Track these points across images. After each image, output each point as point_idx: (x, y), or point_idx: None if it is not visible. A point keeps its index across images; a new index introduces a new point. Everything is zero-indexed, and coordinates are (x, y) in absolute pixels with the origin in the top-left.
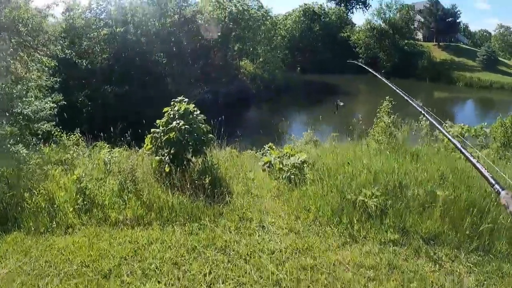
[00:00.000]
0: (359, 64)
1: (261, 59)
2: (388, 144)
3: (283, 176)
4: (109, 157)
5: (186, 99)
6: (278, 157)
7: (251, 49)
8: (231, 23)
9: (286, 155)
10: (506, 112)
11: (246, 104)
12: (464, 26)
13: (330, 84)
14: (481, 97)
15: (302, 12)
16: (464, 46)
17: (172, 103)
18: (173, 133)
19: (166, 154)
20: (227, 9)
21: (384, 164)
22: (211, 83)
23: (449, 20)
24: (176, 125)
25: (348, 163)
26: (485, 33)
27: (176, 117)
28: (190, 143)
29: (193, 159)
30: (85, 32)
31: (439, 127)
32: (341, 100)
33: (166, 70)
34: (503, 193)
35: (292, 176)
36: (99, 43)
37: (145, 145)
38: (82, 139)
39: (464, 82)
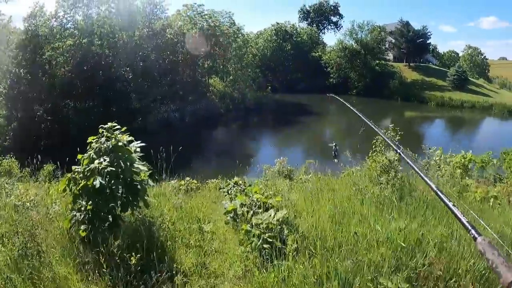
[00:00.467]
0: (338, 98)
1: (231, 77)
2: (394, 190)
3: (253, 245)
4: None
5: (118, 126)
6: (246, 206)
7: (221, 66)
8: (201, 39)
9: (255, 203)
10: (477, 129)
11: (215, 124)
12: (433, 47)
13: (301, 104)
14: (453, 116)
15: (274, 31)
16: (434, 66)
17: (100, 130)
18: (92, 179)
19: (82, 209)
20: (198, 24)
21: (400, 226)
22: (179, 101)
23: (419, 41)
24: (98, 165)
25: (355, 233)
26: (453, 54)
27: (102, 152)
28: (118, 193)
29: (123, 215)
30: (49, 42)
31: (414, 167)
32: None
33: (132, 85)
34: (479, 239)
35: (266, 246)
36: (63, 54)
37: (58, 186)
38: (16, 164)
39: (435, 102)
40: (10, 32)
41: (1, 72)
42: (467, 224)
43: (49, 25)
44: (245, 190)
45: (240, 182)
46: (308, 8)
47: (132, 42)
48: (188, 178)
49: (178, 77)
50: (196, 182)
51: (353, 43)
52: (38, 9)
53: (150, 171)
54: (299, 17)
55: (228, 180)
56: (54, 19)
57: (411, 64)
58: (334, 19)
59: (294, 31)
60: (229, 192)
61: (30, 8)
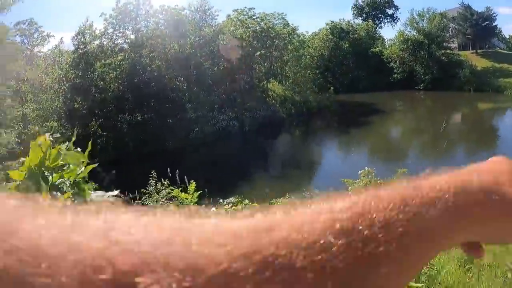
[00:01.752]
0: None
1: (290, 80)
2: None
3: None
4: None
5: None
6: None
7: (279, 69)
8: (255, 42)
9: None
10: None
11: (276, 130)
12: (498, 30)
13: (365, 103)
14: None
15: (329, 30)
16: (502, 51)
17: None
18: None
19: None
20: (251, 27)
21: None
22: (237, 108)
23: (484, 24)
24: None
25: None
26: None
27: None
28: None
29: None
30: (99, 58)
31: None
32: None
33: (186, 95)
34: None
35: None
36: (115, 69)
37: None
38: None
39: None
40: (61, 52)
41: (54, 91)
42: None
43: (99, 42)
44: None
45: None
46: (361, 3)
47: (184, 52)
48: (246, 202)
49: (235, 83)
50: (257, 205)
51: (414, 34)
52: (86, 27)
53: None
54: (353, 13)
55: None
56: (104, 36)
57: (478, 50)
58: (389, 11)
59: (350, 28)
60: None
61: (79, 28)
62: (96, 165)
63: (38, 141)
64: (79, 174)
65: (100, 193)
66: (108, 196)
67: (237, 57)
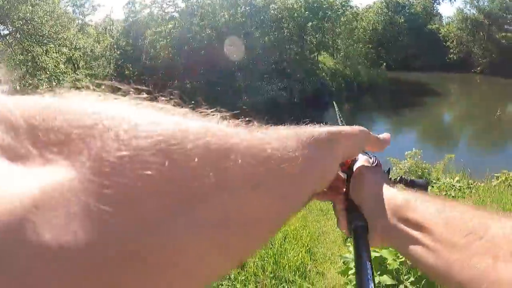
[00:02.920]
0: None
1: (342, 54)
2: None
3: None
4: None
5: None
6: None
7: (331, 42)
8: (307, 12)
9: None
10: None
11: (325, 104)
12: None
13: (419, 83)
14: None
15: (384, 4)
16: None
17: None
18: None
19: None
20: None
21: None
22: (286, 79)
23: None
24: None
25: None
26: None
27: None
28: None
29: None
30: (149, 26)
31: None
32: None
33: (236, 64)
34: None
35: None
36: (165, 38)
37: None
38: None
39: None
40: (112, 21)
41: (105, 58)
42: None
43: (149, 11)
44: None
45: None
46: None
47: (234, 20)
48: None
49: (285, 54)
50: None
51: (474, 12)
52: None
53: None
54: None
55: None
56: (154, 4)
57: None
58: None
59: (407, 2)
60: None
61: None
62: None
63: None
64: None
65: None
66: None
67: (288, 27)
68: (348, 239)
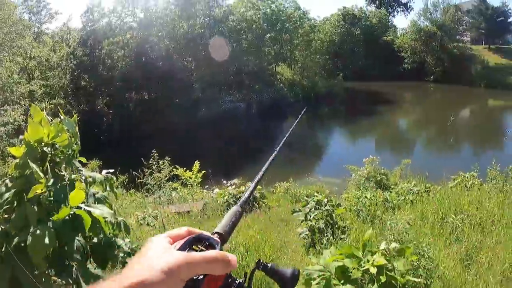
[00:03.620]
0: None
1: (299, 65)
2: None
3: None
4: None
5: None
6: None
7: (289, 53)
8: (265, 24)
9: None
10: None
11: (283, 114)
12: None
13: (374, 92)
14: None
15: (341, 16)
16: None
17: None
18: None
19: None
20: (262, 9)
21: None
22: (245, 90)
23: (499, 19)
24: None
25: None
26: None
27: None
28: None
29: None
30: (107, 36)
31: None
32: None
33: (194, 75)
34: None
35: None
36: (123, 48)
37: None
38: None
39: None
40: (69, 30)
41: (61, 68)
42: None
43: (107, 20)
44: (335, 219)
45: (324, 199)
46: None
47: (193, 31)
48: (249, 184)
49: (243, 65)
50: (260, 188)
51: (427, 24)
52: (95, 4)
53: None
54: (366, 0)
55: (306, 198)
56: (113, 14)
57: (491, 46)
58: (403, 0)
59: (363, 15)
60: (308, 218)
61: (87, 5)
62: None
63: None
64: (73, 150)
65: (92, 174)
66: (106, 173)
67: (246, 39)
68: (311, 248)
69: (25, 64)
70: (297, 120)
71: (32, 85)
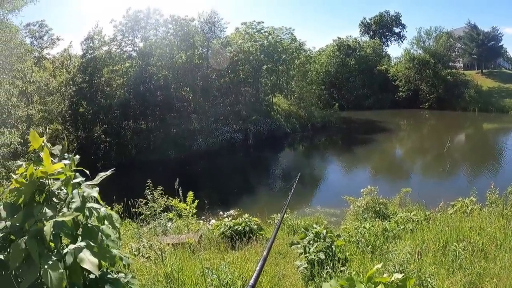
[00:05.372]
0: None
1: (296, 95)
2: None
3: None
4: None
5: None
6: None
7: (285, 84)
8: (262, 55)
9: None
10: None
11: (280, 145)
12: (504, 50)
13: (370, 120)
14: None
15: (336, 47)
16: (508, 71)
17: None
18: None
19: None
20: (259, 41)
21: None
22: (241, 121)
23: (490, 44)
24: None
25: None
26: None
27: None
28: None
29: None
30: (107, 64)
31: None
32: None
33: (192, 106)
34: None
35: None
36: (122, 76)
37: None
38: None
39: None
40: (70, 56)
41: (60, 94)
42: None
43: (107, 48)
44: (334, 251)
45: (323, 231)
46: (368, 21)
47: (192, 62)
48: (246, 216)
49: (240, 96)
50: (257, 219)
51: (421, 52)
52: (96, 32)
53: None
54: (360, 30)
55: (304, 230)
56: (113, 42)
57: (483, 70)
58: (396, 30)
59: (357, 45)
60: (307, 250)
61: (88, 33)
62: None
63: (33, 142)
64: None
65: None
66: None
67: (243, 70)
68: (310, 282)
69: (25, 88)
70: (293, 187)
71: (30, 109)
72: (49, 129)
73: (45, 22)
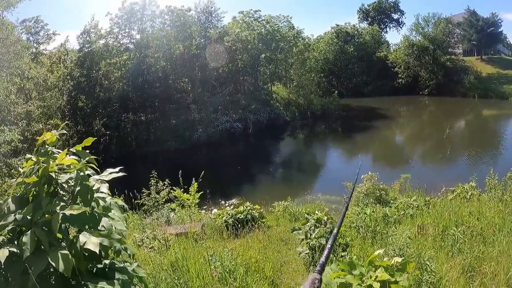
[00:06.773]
0: None
1: (295, 83)
2: None
3: None
4: None
5: None
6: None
7: (284, 72)
8: (260, 44)
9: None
10: None
11: (280, 133)
12: (504, 36)
13: (370, 107)
14: None
15: (335, 34)
16: (507, 57)
17: None
18: None
19: None
20: (256, 30)
21: None
22: (241, 110)
23: (490, 30)
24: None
25: None
26: None
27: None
28: None
29: None
30: (104, 57)
31: None
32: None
33: (190, 97)
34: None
35: None
36: (120, 69)
37: None
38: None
39: None
40: (66, 51)
41: (59, 89)
42: None
43: (104, 41)
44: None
45: (324, 217)
46: (367, 7)
47: (189, 52)
48: (248, 204)
49: (239, 85)
50: (258, 207)
51: (420, 39)
52: (92, 26)
53: None
54: (359, 17)
55: (307, 216)
56: (109, 35)
57: (483, 56)
58: (395, 16)
59: (356, 32)
60: (308, 236)
61: (85, 27)
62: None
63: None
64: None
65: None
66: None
67: (242, 59)
68: (311, 267)
69: (23, 85)
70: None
71: (29, 106)
72: (48, 124)
73: (40, 17)
